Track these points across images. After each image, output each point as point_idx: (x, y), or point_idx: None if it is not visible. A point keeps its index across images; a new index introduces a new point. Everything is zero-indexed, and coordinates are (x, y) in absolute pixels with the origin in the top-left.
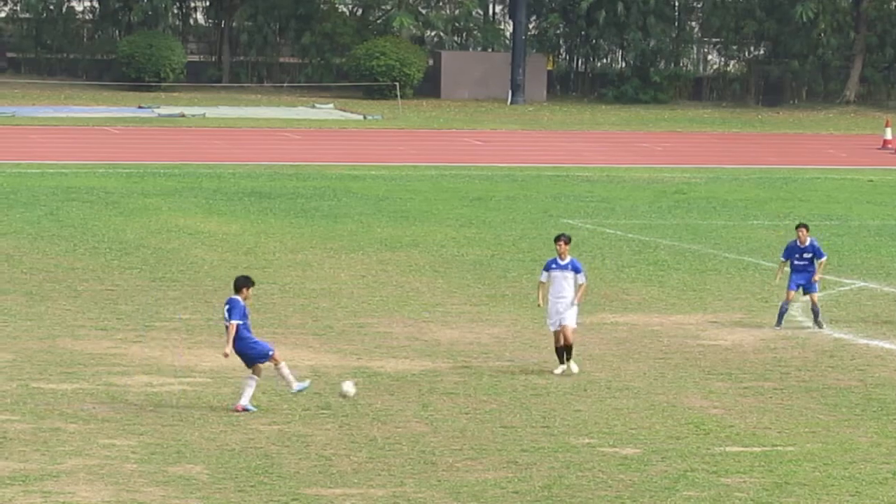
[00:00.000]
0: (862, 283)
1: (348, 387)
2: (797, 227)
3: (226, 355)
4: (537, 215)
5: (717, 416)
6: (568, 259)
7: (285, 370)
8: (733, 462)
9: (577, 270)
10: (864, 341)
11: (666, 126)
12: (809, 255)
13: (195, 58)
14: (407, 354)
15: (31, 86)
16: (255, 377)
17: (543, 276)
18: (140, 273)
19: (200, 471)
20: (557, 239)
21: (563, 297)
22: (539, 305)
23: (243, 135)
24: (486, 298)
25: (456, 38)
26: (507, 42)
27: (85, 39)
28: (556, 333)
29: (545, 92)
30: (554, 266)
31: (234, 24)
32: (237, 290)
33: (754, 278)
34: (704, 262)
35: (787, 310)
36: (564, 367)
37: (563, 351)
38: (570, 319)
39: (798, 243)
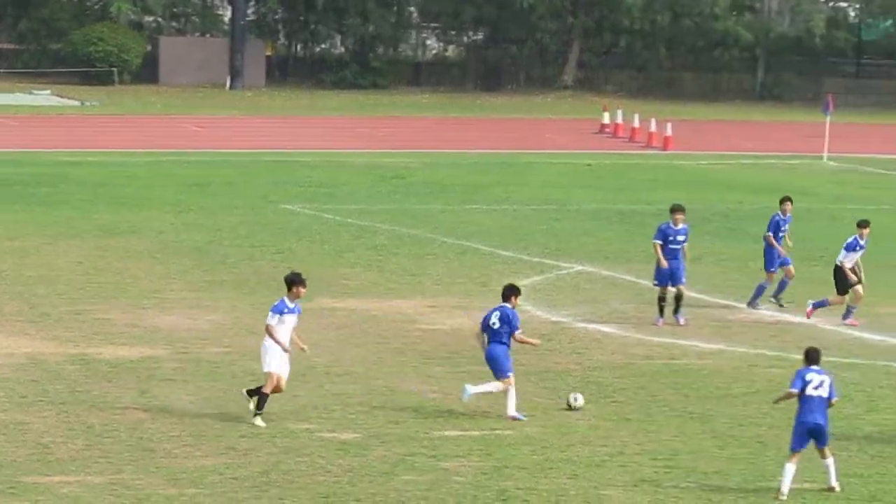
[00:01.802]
0: (580, 267)
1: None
2: (782, 200)
3: None
4: (256, 201)
5: (436, 401)
6: None
7: None
8: (452, 446)
9: None
10: (582, 325)
11: (385, 111)
12: (788, 225)
13: None
14: (125, 341)
15: None
16: None
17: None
18: None
19: None
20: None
21: None
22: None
23: None
24: (204, 284)
25: (174, 24)
26: (226, 27)
27: None
28: None
29: (264, 77)
30: None
31: None
32: None
33: (473, 262)
34: (423, 247)
35: (767, 288)
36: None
37: None
38: None
39: (781, 216)
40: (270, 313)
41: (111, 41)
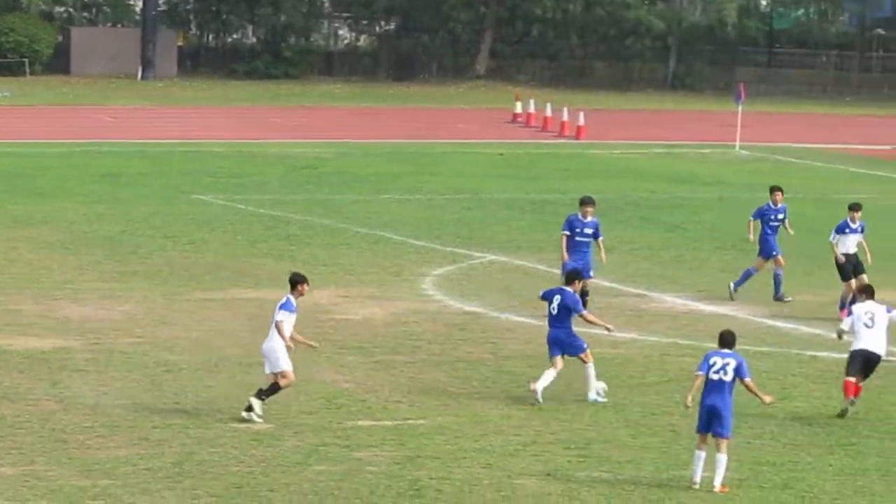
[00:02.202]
0: (492, 257)
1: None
2: (772, 189)
3: None
4: (169, 191)
5: (349, 391)
6: None
7: None
8: (365, 436)
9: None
10: (495, 314)
11: (297, 101)
12: (782, 217)
13: None
14: (37, 332)
15: None
16: None
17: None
18: None
19: None
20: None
21: None
22: None
23: None
24: (117, 275)
25: (86, 14)
26: (138, 18)
27: None
28: None
29: (176, 67)
30: None
31: None
32: None
33: (385, 252)
34: (336, 237)
35: (753, 274)
36: None
37: None
38: None
39: (772, 205)
40: (284, 312)
41: (22, 32)
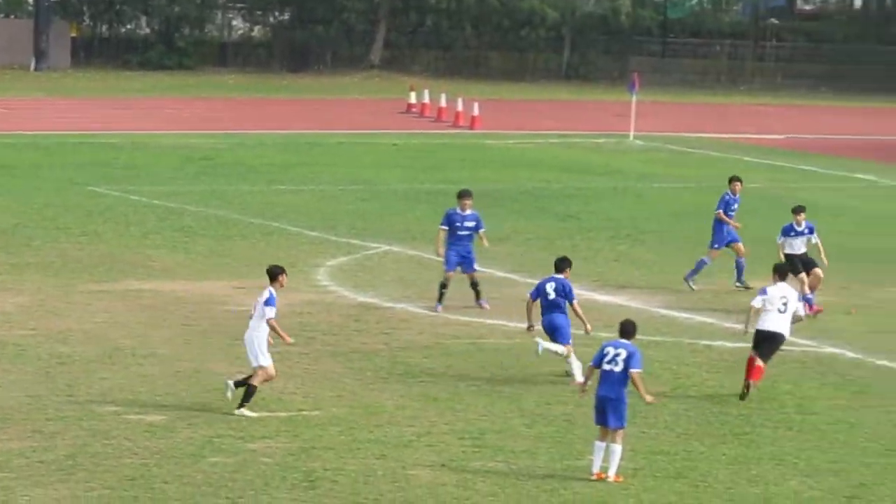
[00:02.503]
0: (387, 247)
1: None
2: (731, 179)
3: None
4: (63, 183)
5: None
6: None
7: None
8: (259, 427)
9: None
10: (390, 304)
11: (192, 92)
12: (736, 207)
13: None
14: None
15: None
16: None
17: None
18: None
19: None
20: None
21: None
22: None
23: None
24: (9, 267)
25: None
26: (30, 8)
27: None
28: None
29: (69, 58)
30: None
31: None
32: None
33: (280, 243)
34: (230, 228)
35: (707, 265)
36: None
37: None
38: None
39: (731, 194)
40: (270, 307)
41: None
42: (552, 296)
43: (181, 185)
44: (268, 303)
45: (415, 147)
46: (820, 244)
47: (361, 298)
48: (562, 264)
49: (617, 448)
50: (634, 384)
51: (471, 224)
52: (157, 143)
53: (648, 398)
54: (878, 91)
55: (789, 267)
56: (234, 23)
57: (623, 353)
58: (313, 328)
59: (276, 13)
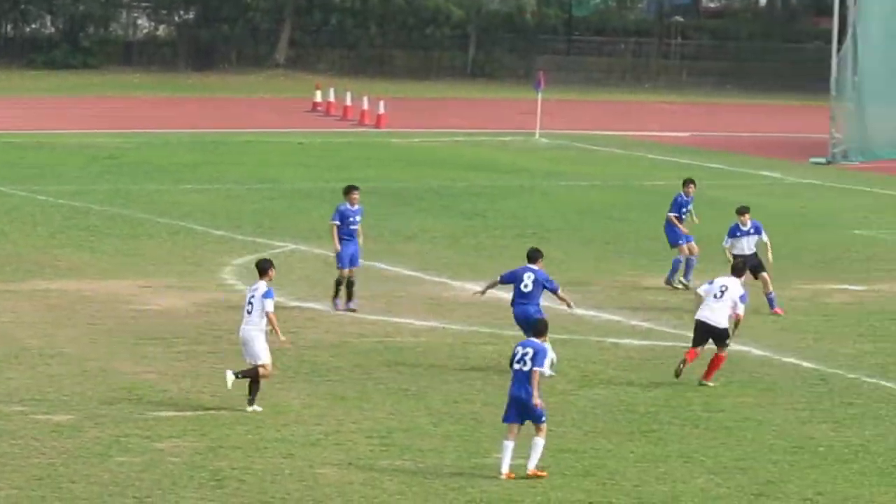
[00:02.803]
0: (293, 246)
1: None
2: (685, 181)
3: None
4: None
5: (151, 381)
6: None
7: None
8: (167, 426)
9: None
10: (296, 303)
11: (97, 91)
12: (691, 207)
13: None
14: None
15: None
16: None
17: None
18: None
19: None
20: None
21: None
22: None
23: None
24: None
25: None
26: None
27: None
28: None
29: None
30: None
31: None
32: None
33: (186, 242)
34: (137, 227)
35: (681, 262)
36: None
37: None
38: None
39: (683, 196)
40: (269, 300)
41: None
42: (529, 287)
43: (87, 185)
44: (266, 295)
45: (320, 146)
46: (769, 243)
47: None
48: (535, 254)
49: (539, 441)
50: (531, 382)
51: (359, 218)
52: (62, 143)
53: (537, 401)
54: (783, 88)
55: (742, 265)
56: (140, 22)
57: (530, 352)
58: (220, 327)
59: (181, 12)
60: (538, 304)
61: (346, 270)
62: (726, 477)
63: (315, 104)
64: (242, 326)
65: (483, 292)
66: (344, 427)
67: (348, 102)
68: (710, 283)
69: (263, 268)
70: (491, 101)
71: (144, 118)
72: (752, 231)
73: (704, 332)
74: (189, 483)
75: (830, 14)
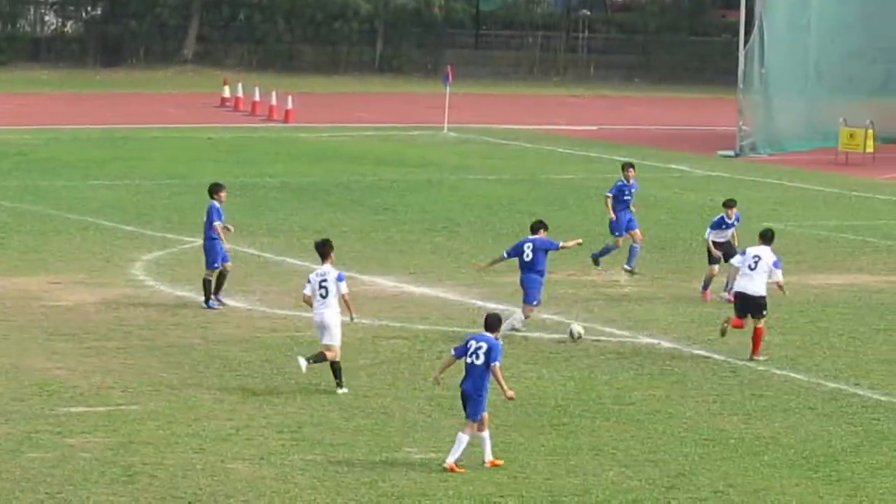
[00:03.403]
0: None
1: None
2: (624, 166)
3: None
4: None
5: (61, 377)
6: None
7: None
8: (78, 422)
9: None
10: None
11: (4, 87)
12: (634, 192)
13: None
14: None
15: None
16: None
17: None
18: None
19: None
20: None
21: None
22: None
23: None
24: None
25: None
26: None
27: None
28: None
29: None
30: None
31: None
32: None
33: (96, 238)
34: (46, 224)
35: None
36: None
37: None
38: None
39: (624, 181)
40: (343, 283)
41: None
42: (529, 256)
43: None
44: (339, 279)
45: (229, 141)
46: (736, 235)
47: (178, 293)
48: (536, 225)
49: (484, 435)
50: (495, 378)
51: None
52: None
53: (509, 393)
54: (690, 82)
55: (770, 232)
56: (47, 18)
57: (484, 347)
58: (130, 323)
59: (89, 8)
60: (541, 271)
61: (215, 269)
62: (637, 469)
63: (223, 99)
64: (319, 311)
65: (487, 267)
66: (255, 422)
67: (257, 98)
68: (743, 253)
69: (325, 251)
70: (399, 96)
71: (53, 114)
72: (734, 223)
73: (744, 301)
74: (100, 479)
75: (737, 7)
